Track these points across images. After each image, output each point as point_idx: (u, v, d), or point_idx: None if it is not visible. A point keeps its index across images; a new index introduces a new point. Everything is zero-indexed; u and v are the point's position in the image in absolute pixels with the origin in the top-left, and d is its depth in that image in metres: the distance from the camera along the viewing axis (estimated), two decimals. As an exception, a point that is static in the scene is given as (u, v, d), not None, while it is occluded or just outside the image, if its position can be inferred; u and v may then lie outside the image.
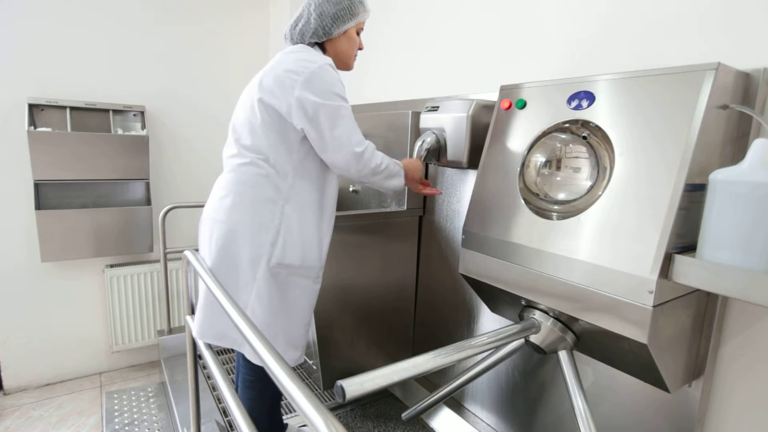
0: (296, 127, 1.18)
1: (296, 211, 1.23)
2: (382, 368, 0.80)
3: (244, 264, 1.21)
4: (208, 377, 2.03)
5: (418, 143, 1.48)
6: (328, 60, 1.22)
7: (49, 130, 2.13)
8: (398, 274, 1.77)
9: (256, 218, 1.20)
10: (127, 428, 2.01)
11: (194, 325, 1.29)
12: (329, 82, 1.18)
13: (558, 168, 1.05)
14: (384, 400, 1.86)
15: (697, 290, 0.88)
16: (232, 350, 2.36)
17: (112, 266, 2.45)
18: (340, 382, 0.73)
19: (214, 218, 1.25)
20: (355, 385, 0.74)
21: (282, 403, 1.86)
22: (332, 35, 1.28)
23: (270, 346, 0.73)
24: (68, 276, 2.37)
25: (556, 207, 1.01)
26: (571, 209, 0.97)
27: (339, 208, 1.56)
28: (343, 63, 1.35)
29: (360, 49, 1.38)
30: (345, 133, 1.18)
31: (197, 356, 1.34)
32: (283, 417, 1.77)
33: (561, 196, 1.03)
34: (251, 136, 1.22)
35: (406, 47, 1.92)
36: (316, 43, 1.30)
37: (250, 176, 1.22)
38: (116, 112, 2.35)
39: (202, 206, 1.30)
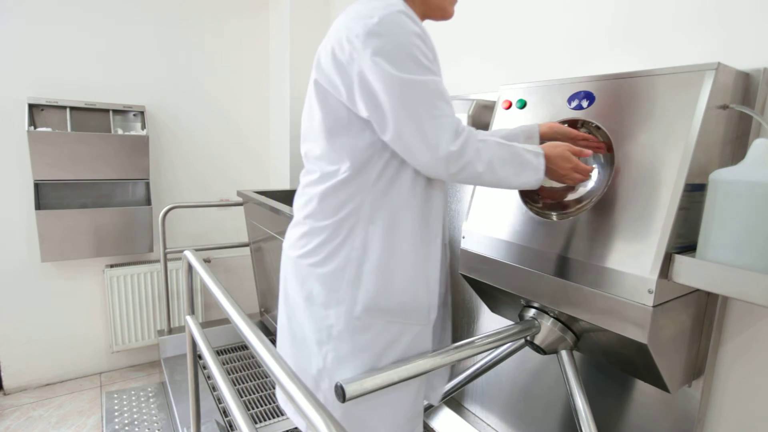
0: (362, 115, 0.82)
1: (386, 232, 0.87)
2: (382, 368, 0.80)
3: (316, 316, 0.91)
4: (208, 377, 2.03)
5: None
6: (399, 4, 0.80)
7: (49, 130, 2.12)
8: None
9: (326, 248, 0.89)
10: (127, 428, 2.01)
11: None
12: (401, 39, 0.77)
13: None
14: (384, 400, 1.86)
15: (697, 290, 0.88)
16: (233, 350, 2.36)
17: (112, 266, 2.45)
18: (339, 382, 0.73)
19: (285, 252, 0.99)
20: (355, 385, 0.74)
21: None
22: None
23: (271, 348, 0.73)
24: (68, 276, 2.37)
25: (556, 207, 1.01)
26: (571, 209, 0.97)
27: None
28: (437, 8, 0.92)
29: None
30: (430, 124, 0.77)
31: (197, 356, 1.34)
32: (284, 417, 1.77)
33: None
34: (315, 139, 0.90)
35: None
36: None
37: (318, 193, 0.89)
38: (116, 112, 2.35)
39: (202, 206, 1.25)
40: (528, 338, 1.06)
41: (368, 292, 0.87)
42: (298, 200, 0.97)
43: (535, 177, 0.86)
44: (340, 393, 0.72)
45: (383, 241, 0.87)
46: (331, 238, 0.88)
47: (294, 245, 0.95)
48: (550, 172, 0.89)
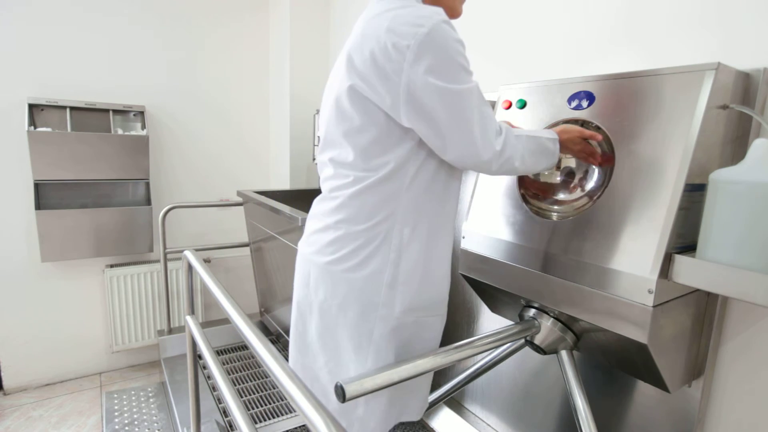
0: (404, 125, 0.83)
1: (421, 234, 0.89)
2: (382, 368, 0.80)
3: (352, 322, 0.90)
4: (208, 377, 2.03)
5: None
6: (441, 12, 0.81)
7: (49, 130, 2.12)
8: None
9: (362, 252, 0.88)
10: (127, 428, 2.01)
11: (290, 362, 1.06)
12: (450, 53, 0.79)
13: (558, 168, 1.05)
14: (384, 400, 1.86)
15: (697, 290, 0.88)
16: (233, 350, 2.36)
17: (112, 266, 2.45)
18: (339, 382, 0.73)
19: (310, 258, 0.96)
20: (355, 385, 0.74)
21: (282, 403, 1.86)
22: None
23: (271, 348, 0.73)
24: (68, 276, 2.37)
25: (556, 207, 1.01)
26: (571, 209, 0.97)
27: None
28: (448, 7, 0.93)
29: None
30: (479, 128, 0.81)
31: (197, 356, 1.34)
32: (283, 417, 1.77)
33: (561, 197, 1.03)
34: (348, 145, 0.88)
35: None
36: None
37: (353, 198, 0.88)
38: (116, 112, 2.35)
39: (202, 206, 1.23)
40: (528, 338, 1.06)
41: (405, 294, 0.89)
42: (325, 205, 0.95)
43: (553, 161, 0.93)
44: (340, 393, 0.72)
45: (419, 242, 0.89)
46: (367, 243, 0.88)
47: (323, 251, 0.93)
48: (564, 151, 0.95)
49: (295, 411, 1.64)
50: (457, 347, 0.90)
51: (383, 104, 0.82)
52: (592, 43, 1.22)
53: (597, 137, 0.93)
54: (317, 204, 0.98)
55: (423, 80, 0.78)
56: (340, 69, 0.88)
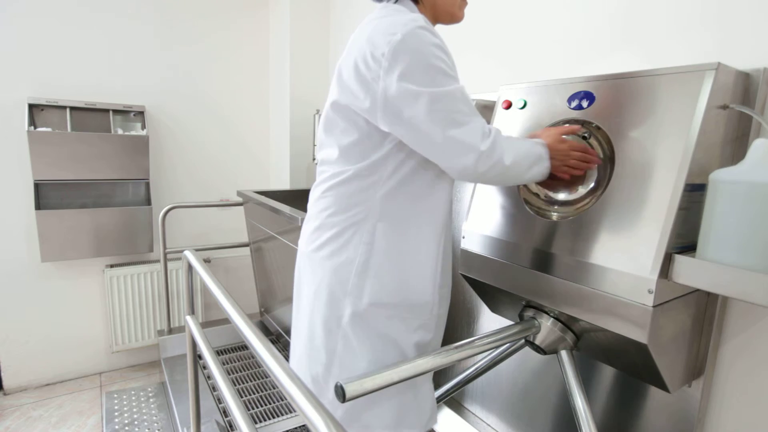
0: (384, 130, 0.86)
1: (393, 229, 0.91)
2: (382, 369, 0.80)
3: (324, 307, 0.94)
4: (208, 377, 2.03)
5: None
6: (418, 19, 0.83)
7: (49, 130, 2.12)
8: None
9: (337, 240, 0.92)
10: (127, 428, 2.01)
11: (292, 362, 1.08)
12: (425, 54, 0.80)
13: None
14: (384, 400, 1.86)
15: (697, 290, 0.88)
16: (233, 350, 2.36)
17: (112, 266, 2.45)
18: (339, 382, 0.73)
19: (300, 250, 1.02)
20: (355, 385, 0.74)
21: (282, 403, 1.86)
22: None
23: (271, 348, 0.73)
24: (68, 276, 2.37)
25: (556, 207, 1.01)
26: (571, 209, 0.97)
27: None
28: (446, 12, 0.95)
29: None
30: (460, 131, 0.80)
31: (197, 356, 1.34)
32: (283, 417, 1.77)
33: (561, 197, 1.02)
34: (333, 144, 0.93)
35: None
36: None
37: (332, 190, 0.94)
38: (116, 112, 2.35)
39: (202, 206, 1.24)
40: (528, 338, 1.06)
41: (375, 286, 0.90)
42: (312, 200, 1.01)
43: (544, 165, 0.90)
44: (340, 393, 0.72)
45: (390, 237, 0.90)
46: (342, 232, 0.92)
47: (308, 240, 0.99)
48: (553, 159, 0.91)
49: (295, 411, 1.64)
50: (457, 347, 0.90)
51: (363, 110, 0.85)
52: (592, 43, 1.22)
53: (576, 129, 0.92)
54: (309, 200, 1.03)
55: (398, 86, 0.79)
56: (334, 78, 0.93)
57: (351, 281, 0.90)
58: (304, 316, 1.00)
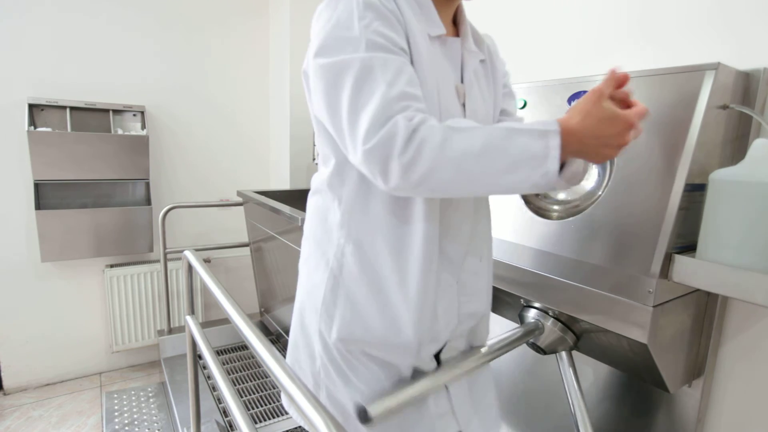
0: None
1: (364, 252, 0.72)
2: (399, 388, 0.75)
3: (299, 327, 0.83)
4: (208, 377, 2.03)
5: None
6: None
7: (49, 130, 2.12)
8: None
9: (309, 261, 0.80)
10: (127, 428, 2.01)
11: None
12: (339, 23, 0.62)
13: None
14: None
15: (697, 290, 0.88)
16: (233, 350, 2.36)
17: (112, 266, 2.45)
18: (360, 404, 0.70)
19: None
20: (377, 406, 0.69)
21: (282, 403, 1.86)
22: None
23: (271, 348, 0.72)
24: (68, 276, 2.37)
25: (556, 207, 1.01)
26: (570, 209, 0.97)
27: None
28: None
29: None
30: (357, 116, 0.60)
31: (197, 356, 1.34)
32: (283, 417, 1.77)
33: (561, 196, 1.03)
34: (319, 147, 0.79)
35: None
36: None
37: (311, 202, 0.82)
38: (116, 112, 2.35)
39: (202, 206, 1.25)
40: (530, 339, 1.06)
41: (344, 318, 0.73)
42: None
43: (541, 170, 0.58)
44: (363, 416, 0.68)
45: (358, 265, 0.72)
46: (311, 252, 0.79)
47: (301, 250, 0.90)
48: (581, 150, 0.61)
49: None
50: (467, 353, 0.88)
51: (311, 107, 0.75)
52: (592, 43, 1.22)
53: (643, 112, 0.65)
54: None
55: (312, 64, 0.65)
56: None
57: (319, 310, 0.75)
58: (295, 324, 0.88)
